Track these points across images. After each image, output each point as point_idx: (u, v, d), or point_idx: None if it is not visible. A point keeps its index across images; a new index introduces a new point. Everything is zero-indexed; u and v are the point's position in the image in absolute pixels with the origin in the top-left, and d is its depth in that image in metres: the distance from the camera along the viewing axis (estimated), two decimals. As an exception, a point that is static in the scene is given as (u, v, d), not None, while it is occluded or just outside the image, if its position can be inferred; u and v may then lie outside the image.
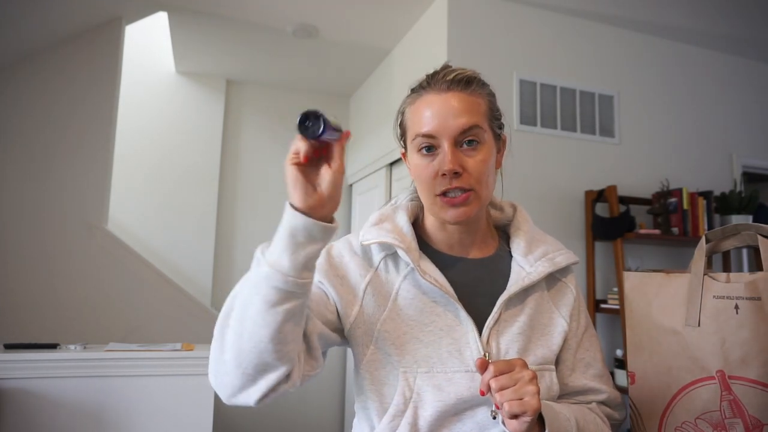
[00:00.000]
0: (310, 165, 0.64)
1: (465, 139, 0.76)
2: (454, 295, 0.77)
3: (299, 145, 0.63)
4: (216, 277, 3.40)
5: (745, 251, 2.89)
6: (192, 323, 2.70)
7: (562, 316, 0.83)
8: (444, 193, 0.76)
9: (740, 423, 0.74)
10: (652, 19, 2.67)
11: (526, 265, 0.81)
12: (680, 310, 0.80)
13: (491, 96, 0.83)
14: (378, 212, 0.86)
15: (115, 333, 2.51)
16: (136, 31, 3.24)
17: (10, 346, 1.94)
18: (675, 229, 2.45)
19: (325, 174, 0.64)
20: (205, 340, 2.73)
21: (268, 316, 0.64)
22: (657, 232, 2.40)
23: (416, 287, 0.79)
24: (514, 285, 0.79)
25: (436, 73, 0.81)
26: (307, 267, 0.65)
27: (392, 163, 3.06)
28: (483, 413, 0.75)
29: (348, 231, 3.74)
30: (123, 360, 1.98)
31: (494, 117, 0.82)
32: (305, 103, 3.79)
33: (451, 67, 0.81)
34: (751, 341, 0.75)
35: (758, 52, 3.00)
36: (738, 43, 2.90)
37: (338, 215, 3.21)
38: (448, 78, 0.78)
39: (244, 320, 0.65)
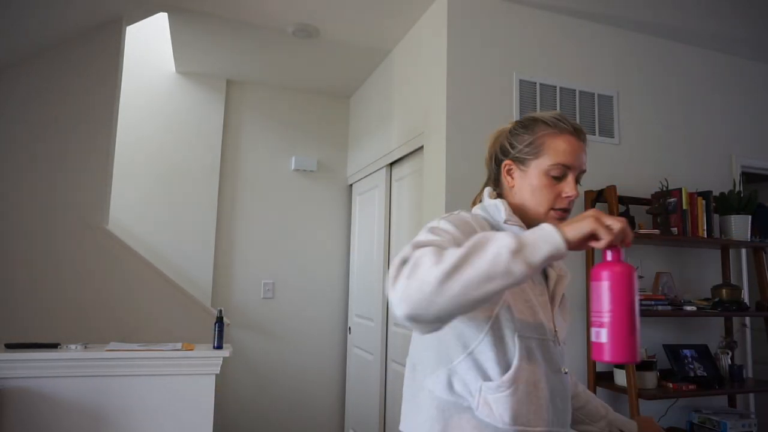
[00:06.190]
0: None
1: None
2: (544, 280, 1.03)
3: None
4: (216, 277, 3.40)
5: (744, 252, 2.89)
6: (192, 323, 2.71)
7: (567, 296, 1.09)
8: None
9: None
10: (652, 19, 2.68)
11: (556, 263, 1.04)
12: None
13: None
14: (502, 202, 1.00)
15: (116, 333, 2.52)
16: (136, 31, 3.25)
17: (11, 346, 1.94)
18: (674, 229, 2.45)
19: None
20: (206, 340, 2.73)
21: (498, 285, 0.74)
22: (656, 232, 2.40)
23: None
24: (563, 278, 1.04)
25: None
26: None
27: (392, 163, 3.06)
28: (560, 372, 0.98)
29: (347, 231, 3.74)
30: (123, 360, 1.99)
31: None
32: (305, 103, 3.79)
33: None
34: None
35: (758, 52, 3.00)
36: (738, 43, 2.90)
37: (338, 215, 3.21)
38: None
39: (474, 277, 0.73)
